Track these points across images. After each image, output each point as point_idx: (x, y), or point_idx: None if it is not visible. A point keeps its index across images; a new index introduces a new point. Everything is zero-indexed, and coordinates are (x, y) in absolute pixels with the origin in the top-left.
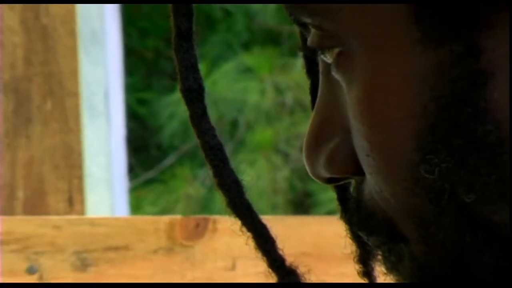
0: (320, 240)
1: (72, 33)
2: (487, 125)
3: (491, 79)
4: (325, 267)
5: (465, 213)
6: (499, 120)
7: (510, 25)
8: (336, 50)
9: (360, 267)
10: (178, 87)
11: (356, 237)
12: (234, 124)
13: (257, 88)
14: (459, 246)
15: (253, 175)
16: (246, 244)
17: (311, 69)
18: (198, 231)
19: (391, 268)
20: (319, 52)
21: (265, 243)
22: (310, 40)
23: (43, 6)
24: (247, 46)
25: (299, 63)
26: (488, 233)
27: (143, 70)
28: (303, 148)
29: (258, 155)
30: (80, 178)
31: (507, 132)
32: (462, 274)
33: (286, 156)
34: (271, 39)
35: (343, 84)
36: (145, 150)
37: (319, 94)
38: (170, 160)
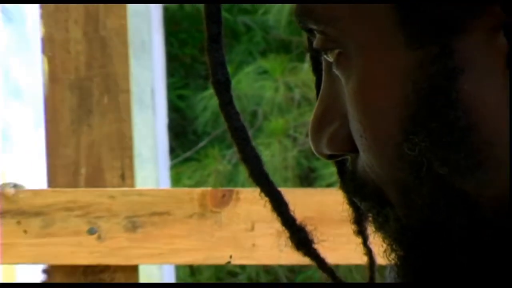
0: (321, 207)
1: (124, 43)
2: (457, 111)
3: (462, 74)
4: (325, 229)
5: (440, 183)
6: (468, 108)
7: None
8: (337, 51)
9: (355, 227)
10: (210, 80)
11: (351, 203)
12: (254, 115)
13: (272, 86)
14: (434, 209)
15: (268, 155)
16: (264, 206)
17: (316, 67)
18: (224, 200)
19: (379, 227)
20: (323, 52)
21: (279, 206)
22: (315, 43)
23: (101, 21)
24: (264, 53)
25: (305, 66)
26: (458, 199)
27: (182, 72)
28: (309, 130)
29: (273, 139)
30: (130, 158)
31: (476, 117)
32: (437, 232)
33: (294, 140)
34: (283, 47)
35: (342, 79)
36: (183, 135)
37: (322, 87)
38: (203, 143)
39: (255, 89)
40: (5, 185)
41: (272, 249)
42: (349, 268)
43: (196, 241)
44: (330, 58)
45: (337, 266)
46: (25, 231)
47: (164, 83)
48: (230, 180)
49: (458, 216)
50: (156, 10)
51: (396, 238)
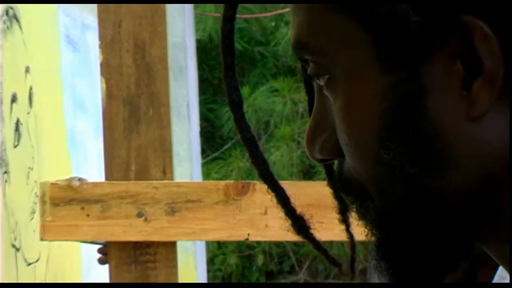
0: (320, 196)
1: (165, 68)
2: (424, 123)
3: (427, 94)
4: (323, 213)
5: (410, 180)
6: (433, 121)
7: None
8: (326, 77)
9: (340, 217)
10: (226, 100)
11: (338, 197)
12: (267, 124)
13: (281, 102)
14: (407, 202)
15: (278, 155)
16: (271, 200)
17: (308, 89)
18: (243, 190)
19: (361, 216)
20: (315, 78)
21: (282, 199)
22: (309, 70)
23: (147, 50)
24: (275, 76)
25: None
26: (425, 193)
27: (211, 91)
28: (305, 140)
29: (281, 143)
30: (170, 157)
31: (440, 128)
32: (408, 219)
33: (298, 143)
34: (290, 71)
35: (331, 98)
36: (212, 139)
37: (314, 105)
38: (227, 145)
39: (268, 104)
40: (71, 178)
41: (281, 229)
42: (342, 243)
43: (221, 222)
44: (321, 82)
45: (332, 242)
46: (88, 215)
47: (197, 99)
48: (249, 175)
49: (427, 207)
50: (190, 42)
51: (376, 225)
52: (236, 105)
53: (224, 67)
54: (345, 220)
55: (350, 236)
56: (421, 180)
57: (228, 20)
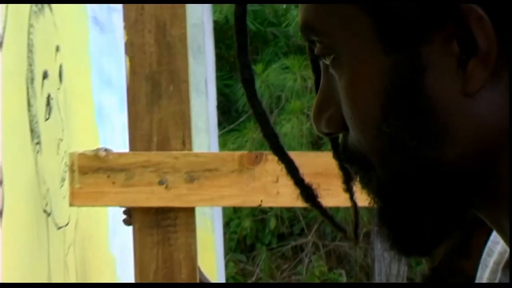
0: (327, 165)
1: (184, 47)
2: (423, 98)
3: (425, 72)
4: (330, 181)
5: (410, 152)
6: (431, 96)
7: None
8: (332, 56)
9: (344, 186)
10: (239, 78)
11: (342, 168)
12: (279, 98)
13: (292, 78)
14: (406, 172)
15: (289, 127)
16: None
17: (315, 68)
18: (257, 160)
19: (364, 186)
20: (321, 57)
21: (291, 170)
22: (316, 50)
23: (168, 30)
24: (286, 54)
25: None
26: (425, 164)
27: (227, 68)
28: (311, 115)
29: (292, 116)
30: (189, 129)
31: (437, 103)
32: (409, 190)
33: (307, 116)
34: (300, 50)
35: (336, 76)
36: (228, 113)
37: (321, 83)
38: (242, 118)
39: (280, 80)
40: (98, 149)
41: (291, 196)
42: (348, 208)
43: (236, 190)
44: (327, 61)
45: (338, 207)
46: (113, 183)
47: (214, 76)
48: (262, 145)
49: (422, 175)
50: (208, 23)
51: (377, 194)
52: (248, 83)
53: (237, 47)
54: (349, 189)
55: (354, 204)
56: (420, 152)
57: (241, 3)
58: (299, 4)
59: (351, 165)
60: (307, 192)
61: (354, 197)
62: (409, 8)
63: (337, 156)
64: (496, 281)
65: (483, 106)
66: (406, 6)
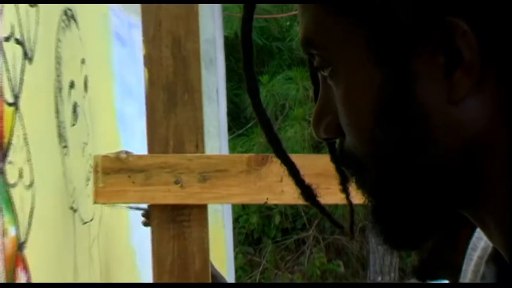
0: (327, 166)
1: (198, 60)
2: (412, 106)
3: (414, 82)
4: (329, 181)
5: (401, 155)
6: (420, 104)
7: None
8: (329, 68)
9: (341, 187)
10: (245, 88)
11: (339, 170)
12: (283, 106)
13: (295, 88)
14: (398, 172)
15: (292, 132)
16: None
17: (314, 79)
18: (263, 162)
19: (359, 186)
20: (320, 69)
21: (293, 172)
22: (315, 63)
23: (183, 45)
24: (289, 66)
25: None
26: (415, 167)
27: (236, 79)
28: (311, 122)
29: (295, 122)
30: (202, 134)
31: (426, 110)
32: (401, 190)
33: (308, 122)
34: (302, 62)
35: (333, 87)
36: (237, 119)
37: (320, 93)
38: (250, 124)
39: (284, 89)
40: (119, 152)
41: (294, 194)
42: (345, 206)
43: (244, 188)
44: (325, 73)
45: (337, 205)
46: (133, 182)
47: (225, 86)
48: (268, 149)
49: (413, 177)
50: (219, 38)
51: (371, 194)
52: (254, 93)
53: (244, 61)
54: (345, 190)
55: (350, 203)
56: (410, 155)
57: (247, 21)
58: (300, 21)
59: (347, 168)
60: (307, 192)
61: (350, 197)
62: (399, 24)
63: (335, 159)
64: (480, 273)
65: (468, 112)
66: (396, 22)
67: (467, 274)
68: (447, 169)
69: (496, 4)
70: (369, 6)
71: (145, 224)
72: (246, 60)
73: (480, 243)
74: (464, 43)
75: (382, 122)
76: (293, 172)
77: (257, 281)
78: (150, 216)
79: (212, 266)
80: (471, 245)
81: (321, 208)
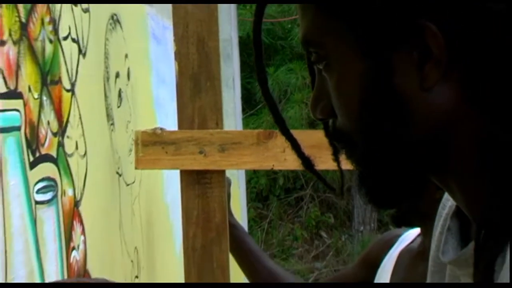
0: (321, 140)
1: (218, 55)
2: (392, 93)
3: (394, 73)
4: (322, 151)
5: (382, 131)
6: (398, 91)
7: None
8: (324, 63)
9: (333, 157)
10: (256, 77)
11: (332, 144)
12: (286, 91)
13: (295, 77)
14: (380, 145)
15: (293, 112)
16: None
17: (311, 71)
18: (270, 136)
19: (349, 157)
20: (316, 63)
21: (295, 145)
22: (312, 58)
23: (206, 43)
24: (291, 60)
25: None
26: (394, 141)
27: (249, 70)
28: (309, 106)
29: (295, 104)
30: (221, 114)
31: (402, 97)
32: (383, 160)
33: (306, 105)
34: (301, 57)
35: (327, 78)
36: (249, 102)
37: (316, 82)
38: (259, 106)
39: (286, 78)
40: (155, 128)
41: (294, 161)
42: (335, 171)
43: (255, 157)
44: (320, 66)
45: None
46: (166, 152)
47: (239, 76)
48: (273, 126)
49: (393, 149)
50: (235, 38)
51: (358, 163)
52: (263, 81)
53: (255, 56)
54: (337, 159)
55: (340, 170)
56: (390, 131)
57: (257, 24)
58: (300, 24)
59: (338, 142)
60: (306, 161)
61: (340, 165)
62: (381, 27)
63: (328, 135)
64: (446, 226)
65: (437, 97)
66: (379, 26)
67: (438, 228)
68: (420, 142)
69: (460, 10)
70: (357, 12)
71: None
72: (257, 55)
73: (447, 203)
74: (433, 42)
75: (366, 105)
76: (295, 145)
77: (265, 230)
78: (180, 179)
79: (232, 217)
80: (441, 205)
81: (316, 173)
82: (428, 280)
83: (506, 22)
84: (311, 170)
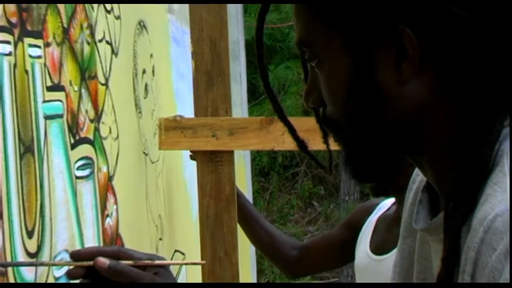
0: (313, 125)
1: (227, 54)
2: (372, 85)
3: (375, 70)
4: (314, 135)
5: (366, 118)
6: (378, 84)
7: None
8: (316, 60)
9: (323, 140)
10: (258, 74)
11: (322, 129)
12: (284, 85)
13: (291, 73)
14: (364, 129)
15: (290, 102)
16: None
17: (304, 68)
18: (270, 122)
19: (336, 140)
20: (309, 61)
21: (291, 131)
22: (306, 57)
23: (217, 44)
24: (288, 59)
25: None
26: (376, 126)
27: (253, 67)
28: (303, 97)
29: (292, 95)
30: (230, 104)
31: (382, 89)
32: (365, 142)
33: (301, 96)
34: (296, 56)
35: (319, 73)
36: (254, 94)
37: (308, 77)
38: (262, 97)
39: (284, 74)
40: (175, 116)
41: (291, 143)
42: (324, 151)
43: (258, 139)
44: (313, 64)
45: (319, 150)
46: (185, 136)
47: (245, 72)
48: (274, 113)
49: (374, 133)
50: (242, 40)
51: (345, 145)
52: (264, 77)
53: (258, 56)
54: (326, 142)
55: (329, 151)
56: (372, 118)
57: (259, 29)
58: (295, 28)
59: (328, 127)
60: (300, 143)
61: (329, 146)
62: (364, 30)
63: (319, 121)
64: (418, 198)
65: (412, 90)
66: (363, 29)
67: (409, 199)
68: (397, 127)
69: (432, 17)
70: (344, 17)
71: (192, 158)
72: (259, 55)
73: (417, 178)
74: (409, 43)
75: (351, 96)
76: (291, 130)
77: (267, 200)
78: (196, 157)
79: (238, 189)
80: (411, 179)
81: (309, 153)
82: (400, 243)
83: (470, 27)
84: (305, 150)
